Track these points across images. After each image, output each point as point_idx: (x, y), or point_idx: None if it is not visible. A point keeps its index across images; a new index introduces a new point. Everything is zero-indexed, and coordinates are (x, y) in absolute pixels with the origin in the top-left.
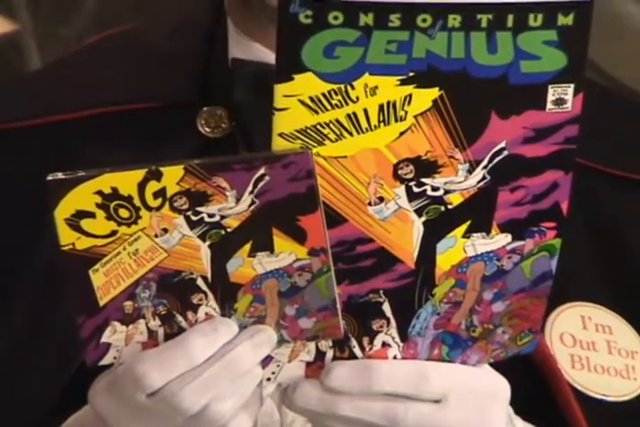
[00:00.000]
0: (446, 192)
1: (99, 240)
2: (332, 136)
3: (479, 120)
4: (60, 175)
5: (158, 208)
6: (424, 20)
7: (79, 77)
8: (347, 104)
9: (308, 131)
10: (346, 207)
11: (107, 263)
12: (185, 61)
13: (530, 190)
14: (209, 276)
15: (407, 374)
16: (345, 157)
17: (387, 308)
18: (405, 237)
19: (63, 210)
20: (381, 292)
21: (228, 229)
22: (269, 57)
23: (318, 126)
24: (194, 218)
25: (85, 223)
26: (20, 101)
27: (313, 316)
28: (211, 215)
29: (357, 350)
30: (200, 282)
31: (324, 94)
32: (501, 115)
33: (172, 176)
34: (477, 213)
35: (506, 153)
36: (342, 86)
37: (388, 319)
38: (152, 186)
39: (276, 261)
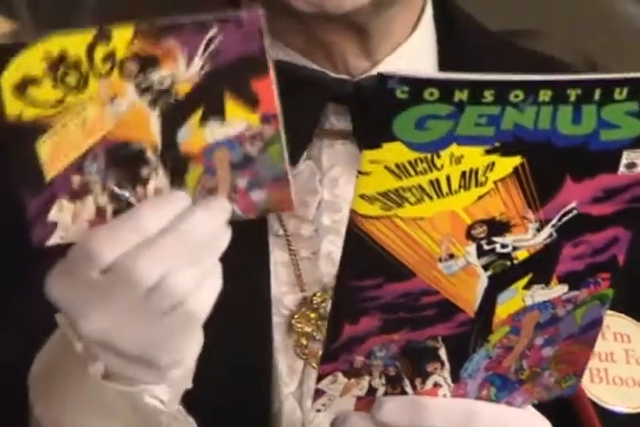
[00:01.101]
0: (514, 249)
1: (45, 110)
2: (413, 200)
3: (554, 183)
4: (8, 41)
5: (107, 74)
6: (516, 96)
7: None
8: (431, 171)
9: (390, 194)
10: (417, 263)
11: (54, 135)
12: None
13: (591, 245)
14: (159, 147)
15: (456, 412)
16: (422, 218)
17: (442, 352)
18: (470, 289)
19: (9, 77)
20: (439, 338)
21: (178, 96)
22: (290, 55)
23: (400, 190)
24: (143, 85)
25: (32, 91)
26: None
27: (265, 187)
28: (160, 82)
29: (409, 389)
30: (149, 154)
31: (409, 162)
32: (575, 178)
33: (122, 38)
34: (540, 266)
35: (575, 212)
36: (429, 155)
37: (442, 363)
38: (101, 49)
39: (227, 130)
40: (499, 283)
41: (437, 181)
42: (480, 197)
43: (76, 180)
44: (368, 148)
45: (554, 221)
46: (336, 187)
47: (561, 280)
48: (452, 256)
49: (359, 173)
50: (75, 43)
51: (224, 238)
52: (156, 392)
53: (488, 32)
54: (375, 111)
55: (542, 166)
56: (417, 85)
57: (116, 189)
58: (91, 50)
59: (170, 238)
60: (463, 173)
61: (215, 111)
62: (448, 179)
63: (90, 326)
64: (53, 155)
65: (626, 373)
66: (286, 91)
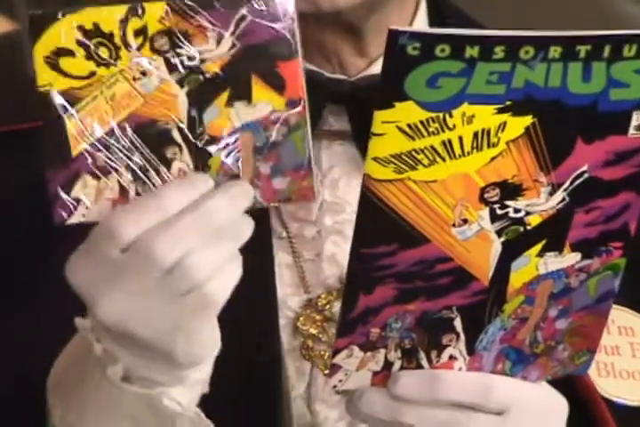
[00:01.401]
0: (527, 213)
1: (77, 82)
2: (426, 161)
3: (565, 145)
4: (42, 11)
5: (138, 48)
6: (526, 52)
7: None
8: (443, 131)
9: (403, 156)
10: (430, 229)
11: (83, 108)
12: None
13: (603, 211)
14: (185, 126)
15: (473, 385)
16: (435, 181)
17: (458, 323)
18: (483, 256)
19: (43, 46)
20: (454, 308)
21: (207, 75)
22: None
23: (413, 152)
24: (173, 61)
25: (64, 62)
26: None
27: (287, 175)
28: (190, 58)
29: (425, 362)
30: (175, 133)
31: (421, 122)
32: (586, 140)
33: (155, 13)
34: (553, 233)
35: (586, 176)
36: (441, 115)
37: (457, 334)
38: (134, 23)
39: (253, 113)
40: (512, 249)
41: (450, 141)
42: (492, 159)
43: (100, 157)
44: (380, 108)
45: (566, 185)
46: (337, 188)
47: (574, 248)
48: (465, 221)
49: (372, 134)
50: (108, 16)
51: (245, 228)
52: (175, 395)
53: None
54: (387, 70)
55: (553, 127)
56: (428, 41)
57: (141, 169)
58: (124, 23)
59: (190, 220)
60: (475, 134)
61: (242, 92)
62: (460, 139)
63: (108, 309)
64: (80, 129)
65: (632, 366)
66: None
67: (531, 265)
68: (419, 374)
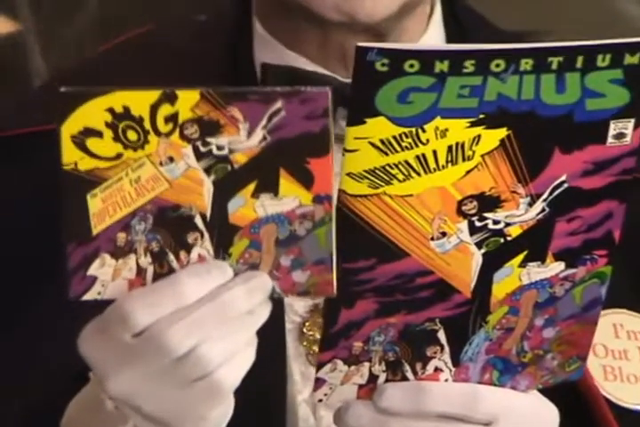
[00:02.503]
0: (506, 225)
1: (102, 162)
2: (400, 176)
3: (542, 156)
4: (72, 88)
5: (168, 134)
6: (497, 66)
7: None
8: (417, 146)
9: (377, 171)
10: (409, 243)
11: (106, 189)
12: (210, 65)
13: (585, 220)
14: (208, 214)
15: (459, 396)
16: (411, 195)
17: (442, 335)
18: (464, 268)
19: (71, 126)
20: (437, 320)
21: (235, 166)
22: (296, 61)
23: (387, 167)
24: (202, 149)
25: (91, 142)
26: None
27: (308, 269)
28: (220, 148)
29: (410, 375)
30: (198, 220)
31: (394, 137)
32: (564, 150)
33: (187, 101)
34: (534, 243)
35: (566, 186)
36: (413, 130)
37: (442, 346)
38: (165, 109)
39: (278, 205)
40: (493, 261)
41: (424, 156)
42: (468, 172)
43: (121, 237)
44: (352, 124)
45: (545, 196)
46: None
47: (557, 258)
48: (444, 234)
49: (345, 150)
50: (139, 100)
51: (262, 315)
52: None
53: (498, 31)
54: (357, 86)
55: (529, 138)
56: (396, 57)
57: (160, 252)
58: (154, 109)
59: (206, 310)
60: (449, 148)
61: (269, 185)
62: (435, 154)
63: (117, 386)
64: (103, 209)
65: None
66: None
67: (513, 276)
68: (404, 387)
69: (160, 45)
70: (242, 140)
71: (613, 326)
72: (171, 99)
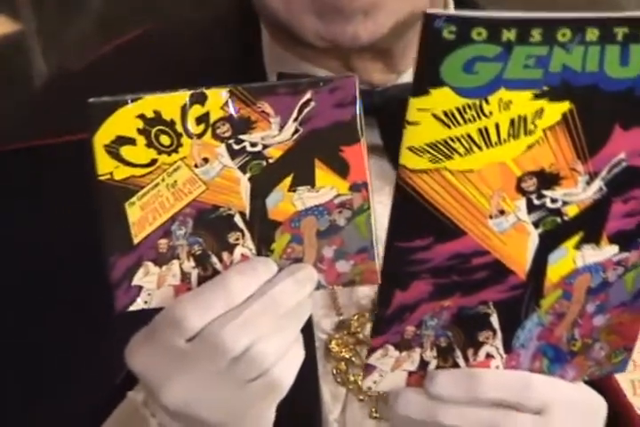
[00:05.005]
0: (564, 204)
1: (138, 170)
2: (462, 150)
3: (603, 132)
4: (102, 98)
5: (200, 135)
6: (564, 35)
7: (104, 88)
8: (479, 119)
9: (438, 145)
10: (467, 221)
11: (144, 196)
12: (218, 70)
13: None
14: (247, 212)
15: (512, 383)
16: (471, 170)
17: (494, 320)
18: (520, 248)
19: (103, 135)
20: (491, 304)
21: (270, 160)
22: (306, 69)
23: (448, 140)
24: (235, 147)
25: (125, 150)
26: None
27: (351, 258)
28: (253, 144)
29: (461, 361)
30: (237, 219)
31: (457, 109)
32: (624, 126)
33: (217, 100)
34: (590, 224)
35: (624, 164)
36: (477, 101)
37: (494, 331)
38: (195, 110)
39: (316, 197)
40: (549, 241)
41: (486, 129)
42: (529, 147)
43: (162, 244)
44: (416, 95)
45: (603, 174)
46: None
47: (611, 240)
48: (502, 212)
49: (407, 122)
50: (169, 103)
51: (308, 308)
52: None
53: None
54: (423, 55)
55: (591, 113)
56: (464, 25)
57: (203, 255)
58: (185, 111)
59: (257, 307)
60: (512, 121)
61: (305, 177)
62: (497, 127)
63: (173, 395)
64: (142, 217)
65: None
66: None
67: (568, 258)
68: (456, 373)
69: (160, 47)
70: (274, 135)
71: None
72: (200, 99)
